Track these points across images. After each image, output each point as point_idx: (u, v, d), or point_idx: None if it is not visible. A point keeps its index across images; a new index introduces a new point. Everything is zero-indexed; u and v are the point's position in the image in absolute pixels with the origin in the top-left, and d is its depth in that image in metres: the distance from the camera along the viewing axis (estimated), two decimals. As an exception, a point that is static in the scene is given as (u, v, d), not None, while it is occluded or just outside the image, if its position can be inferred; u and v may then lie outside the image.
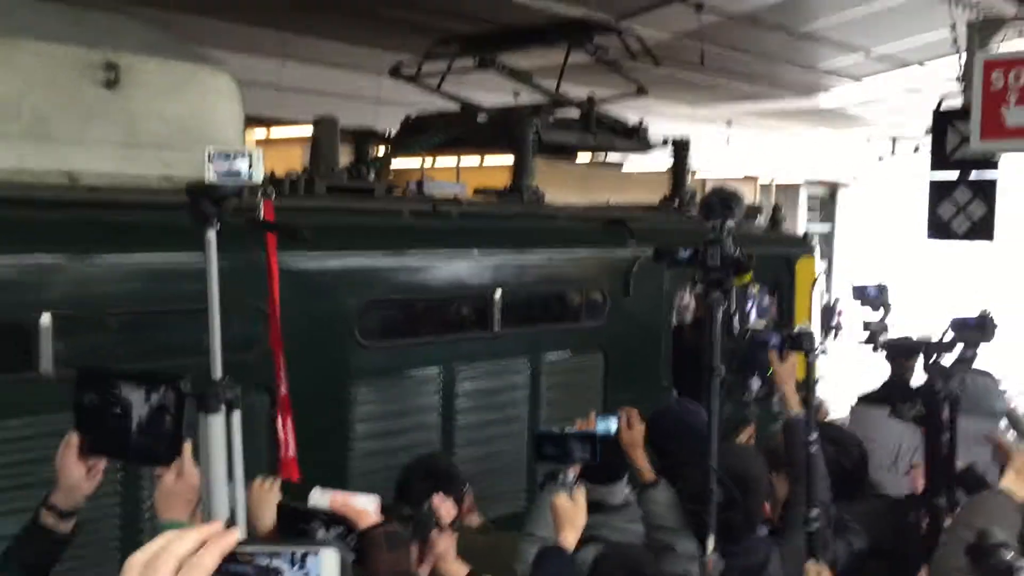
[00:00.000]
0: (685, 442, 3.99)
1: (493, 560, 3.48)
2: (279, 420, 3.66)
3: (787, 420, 4.02)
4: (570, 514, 3.10)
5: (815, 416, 3.79)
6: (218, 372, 2.87)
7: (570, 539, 3.06)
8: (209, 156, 2.89)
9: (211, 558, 1.08)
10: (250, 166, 2.89)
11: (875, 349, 4.51)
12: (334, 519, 2.31)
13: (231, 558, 1.14)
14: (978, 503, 3.28)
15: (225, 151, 2.90)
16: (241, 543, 1.13)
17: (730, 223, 3.30)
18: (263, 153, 2.97)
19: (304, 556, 1.14)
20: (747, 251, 3.34)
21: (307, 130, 6.26)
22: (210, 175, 2.88)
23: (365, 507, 2.34)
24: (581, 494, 3.18)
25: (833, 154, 24.53)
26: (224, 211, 2.91)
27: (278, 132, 14.70)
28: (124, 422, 2.51)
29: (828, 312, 8.98)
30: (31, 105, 4.04)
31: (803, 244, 7.88)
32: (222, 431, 2.75)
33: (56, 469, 2.58)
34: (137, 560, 1.08)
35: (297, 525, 2.33)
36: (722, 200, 3.36)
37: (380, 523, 2.32)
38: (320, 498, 2.35)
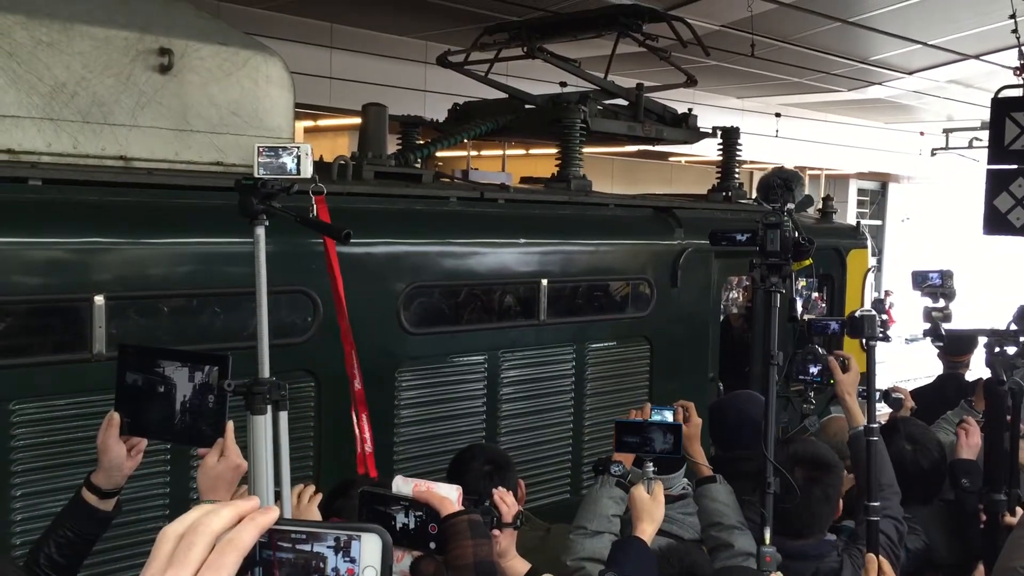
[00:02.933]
0: (746, 433, 3.94)
1: (545, 553, 3.46)
2: (354, 415, 3.63)
3: (853, 434, 3.82)
4: (648, 507, 3.06)
5: (873, 411, 3.68)
6: (265, 371, 2.88)
7: (648, 531, 3.03)
8: (258, 151, 2.90)
9: (249, 535, 1.03)
10: (298, 161, 2.89)
11: (936, 340, 4.36)
12: (415, 505, 2.29)
13: (272, 543, 1.10)
14: None
15: (273, 146, 2.91)
16: (280, 521, 1.09)
17: (790, 205, 3.21)
18: (311, 144, 2.98)
19: (348, 541, 1.10)
20: (807, 235, 3.25)
21: (354, 120, 6.27)
22: (258, 170, 2.89)
23: (447, 495, 2.32)
24: (659, 488, 3.13)
25: (884, 147, 24.12)
26: (272, 206, 2.92)
27: (326, 120, 14.80)
28: (168, 401, 2.51)
29: (878, 306, 8.78)
30: (86, 89, 4.09)
31: (855, 235, 7.75)
32: (268, 431, 2.78)
33: (97, 449, 2.60)
34: (172, 531, 1.04)
35: (376, 508, 2.32)
36: (783, 181, 3.28)
37: (462, 511, 2.30)
38: (403, 486, 2.34)
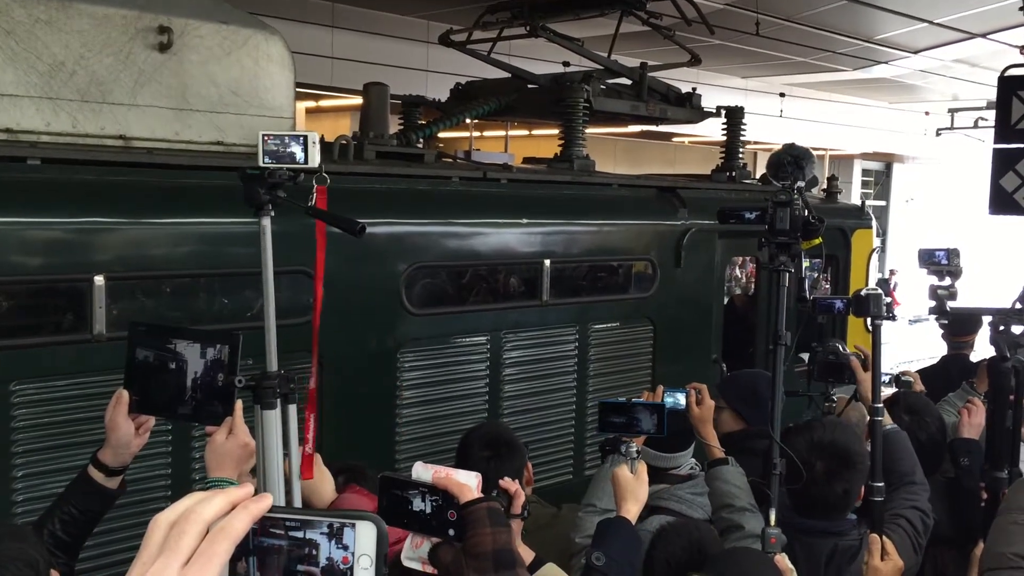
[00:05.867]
0: (753, 410, 3.93)
1: (552, 531, 3.46)
2: (306, 414, 3.60)
3: (887, 433, 3.75)
4: (632, 487, 3.06)
5: (878, 391, 3.65)
6: (274, 365, 2.86)
7: (632, 511, 3.02)
8: (263, 139, 2.82)
9: (241, 523, 1.03)
10: (304, 149, 2.81)
11: (941, 318, 4.33)
12: (433, 491, 2.28)
13: (264, 530, 1.10)
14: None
15: (279, 133, 2.83)
16: (273, 509, 1.08)
17: (800, 183, 3.16)
18: (313, 127, 2.93)
19: (341, 528, 1.10)
20: (818, 214, 3.21)
21: (356, 100, 6.22)
22: (263, 158, 2.81)
23: (467, 482, 2.31)
24: (643, 468, 3.12)
25: (889, 127, 24.03)
26: (278, 196, 2.85)
27: (327, 101, 14.75)
28: (178, 379, 2.51)
29: (883, 286, 8.75)
30: (85, 68, 4.05)
31: (860, 215, 7.71)
32: (279, 425, 2.76)
33: (105, 426, 2.59)
34: (163, 519, 1.03)
35: (393, 492, 2.31)
36: (794, 158, 3.23)
37: (481, 498, 2.29)
38: (423, 472, 2.33)
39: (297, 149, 2.80)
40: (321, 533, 1.10)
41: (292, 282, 4.34)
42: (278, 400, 2.78)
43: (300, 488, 2.94)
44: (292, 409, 2.85)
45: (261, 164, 2.81)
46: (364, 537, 1.09)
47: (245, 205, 3.65)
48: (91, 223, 3.87)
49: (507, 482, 2.85)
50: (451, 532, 2.27)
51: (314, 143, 2.82)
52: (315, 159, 2.82)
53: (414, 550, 2.32)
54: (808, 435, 3.31)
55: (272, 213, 2.86)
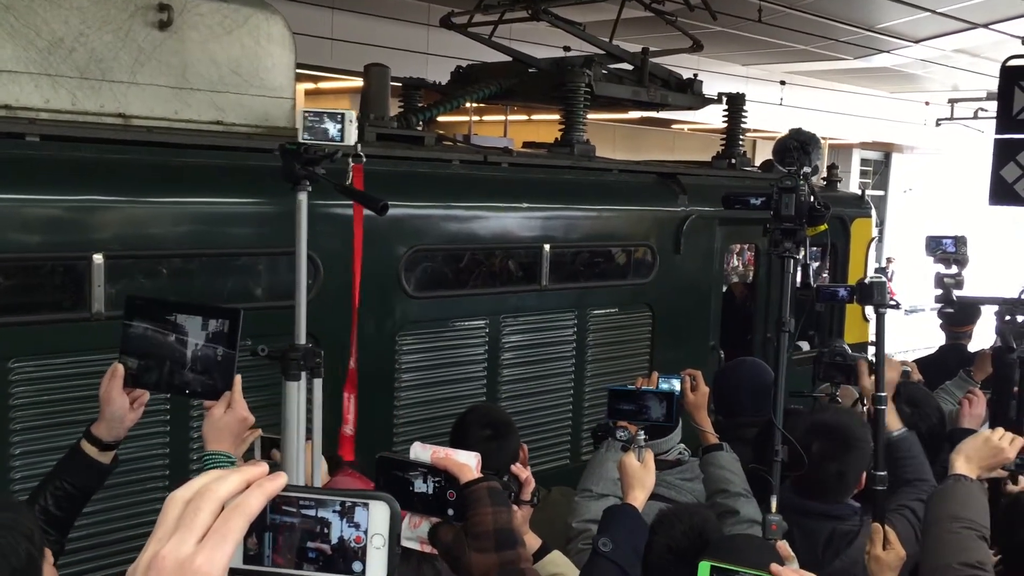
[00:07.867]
0: (753, 399, 3.92)
1: (542, 514, 3.45)
2: (344, 395, 3.63)
3: (892, 440, 3.70)
4: (639, 474, 3.05)
5: (881, 380, 3.63)
6: (302, 338, 2.87)
7: (639, 499, 3.02)
8: (303, 116, 2.91)
9: (256, 500, 1.05)
10: (341, 128, 2.90)
11: (946, 306, 4.33)
12: (433, 472, 2.27)
13: (276, 507, 1.10)
14: (951, 492, 2.95)
15: (318, 111, 2.92)
16: (287, 488, 1.09)
17: (806, 169, 3.15)
18: (308, 105, 2.97)
19: (352, 507, 1.10)
20: (823, 200, 3.19)
21: (356, 82, 6.18)
22: (302, 135, 2.90)
23: (466, 462, 2.29)
24: (650, 456, 3.12)
25: (889, 116, 23.97)
26: (315, 172, 2.90)
27: (327, 83, 14.70)
28: (176, 352, 2.48)
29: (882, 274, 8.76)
30: (84, 45, 4.02)
31: (859, 204, 7.70)
32: (302, 397, 2.77)
33: (100, 399, 2.57)
34: (179, 496, 1.05)
35: (394, 474, 2.30)
36: (800, 144, 3.21)
37: (481, 478, 2.28)
38: (421, 452, 2.31)
39: (332, 127, 2.86)
40: (333, 511, 1.11)
41: (293, 264, 4.32)
42: (303, 373, 2.79)
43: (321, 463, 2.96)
44: (318, 383, 2.87)
45: (300, 140, 2.87)
46: (377, 517, 1.10)
47: (245, 185, 3.65)
48: (90, 201, 3.85)
49: (518, 468, 2.84)
50: (450, 512, 2.26)
51: (351, 122, 2.91)
52: (351, 138, 2.89)
53: (412, 530, 2.31)
54: (808, 417, 3.30)
55: (309, 188, 2.91)
